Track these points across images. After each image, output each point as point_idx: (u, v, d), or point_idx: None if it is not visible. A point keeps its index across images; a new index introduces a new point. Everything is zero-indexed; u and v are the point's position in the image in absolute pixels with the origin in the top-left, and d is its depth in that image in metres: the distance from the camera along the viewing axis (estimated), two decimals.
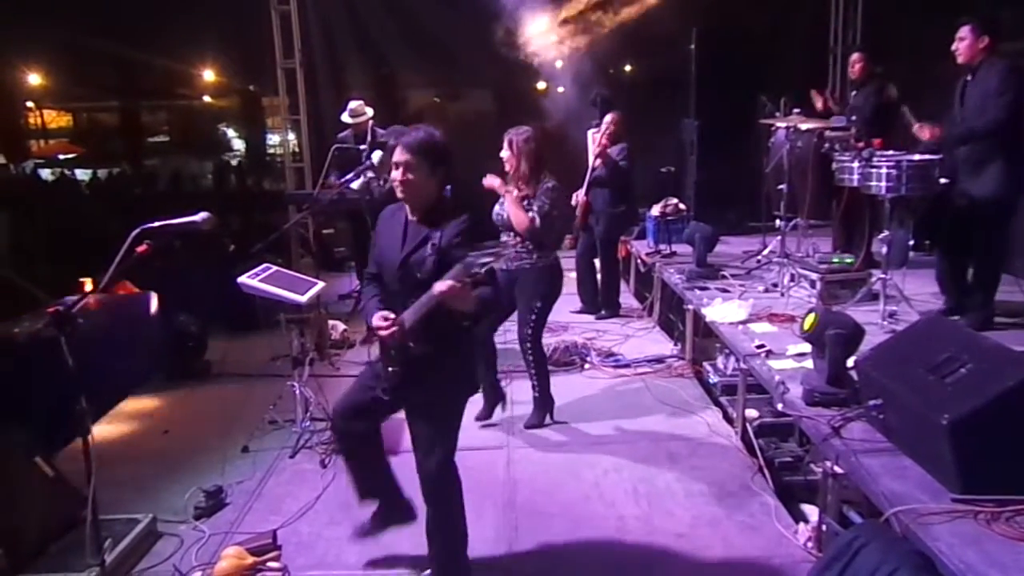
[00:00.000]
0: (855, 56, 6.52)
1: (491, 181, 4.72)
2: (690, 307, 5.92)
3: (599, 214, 6.88)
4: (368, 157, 6.27)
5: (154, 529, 3.74)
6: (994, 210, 4.61)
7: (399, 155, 3.00)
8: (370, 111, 7.36)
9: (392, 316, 3.00)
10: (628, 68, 12.18)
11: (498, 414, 5.03)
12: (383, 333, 3.00)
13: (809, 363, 4.09)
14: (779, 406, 4.00)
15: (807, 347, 4.14)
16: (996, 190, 4.55)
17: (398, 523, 3.45)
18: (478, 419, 4.92)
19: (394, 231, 3.14)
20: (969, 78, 4.67)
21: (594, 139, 7.28)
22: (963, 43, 4.58)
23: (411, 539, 3.40)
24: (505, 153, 4.60)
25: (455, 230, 2.99)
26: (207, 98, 20.67)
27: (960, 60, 4.64)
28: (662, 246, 7.57)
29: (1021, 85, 4.45)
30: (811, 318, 3.92)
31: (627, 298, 7.81)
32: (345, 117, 7.33)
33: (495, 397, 5.02)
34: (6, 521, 3.34)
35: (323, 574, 3.44)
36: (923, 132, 4.93)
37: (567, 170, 5.69)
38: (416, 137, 3.02)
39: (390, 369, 3.06)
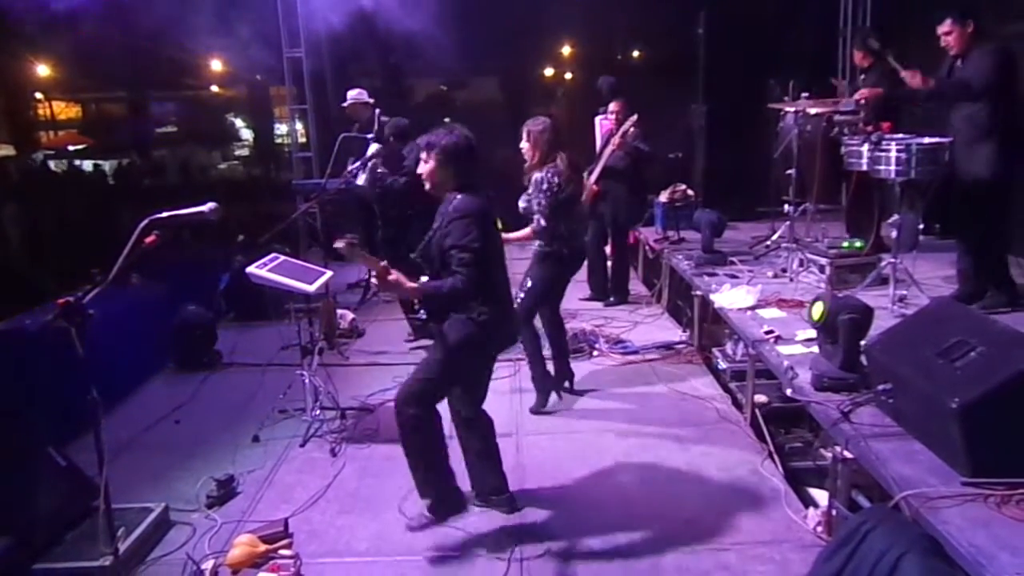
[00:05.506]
0: None
1: None
2: (698, 293, 5.91)
3: (611, 202, 6.85)
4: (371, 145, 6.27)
5: (167, 518, 3.76)
6: (988, 190, 4.61)
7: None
8: (363, 95, 7.32)
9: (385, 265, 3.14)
10: (636, 53, 12.13)
11: (553, 401, 5.02)
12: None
13: (817, 348, 4.08)
14: (788, 391, 4.00)
15: (815, 332, 4.13)
16: (989, 171, 4.56)
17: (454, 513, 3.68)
18: (532, 411, 4.93)
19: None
20: (958, 63, 4.70)
21: (601, 125, 7.24)
22: (951, 36, 4.63)
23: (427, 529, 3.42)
24: (524, 144, 4.64)
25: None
26: (215, 88, 20.67)
27: (953, 53, 4.70)
28: (670, 232, 7.54)
29: (1012, 68, 4.47)
30: (820, 307, 3.90)
31: (635, 285, 7.80)
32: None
33: (552, 382, 5.00)
34: (20, 511, 3.38)
35: (335, 561, 3.45)
36: (914, 79, 4.85)
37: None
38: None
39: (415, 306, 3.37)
